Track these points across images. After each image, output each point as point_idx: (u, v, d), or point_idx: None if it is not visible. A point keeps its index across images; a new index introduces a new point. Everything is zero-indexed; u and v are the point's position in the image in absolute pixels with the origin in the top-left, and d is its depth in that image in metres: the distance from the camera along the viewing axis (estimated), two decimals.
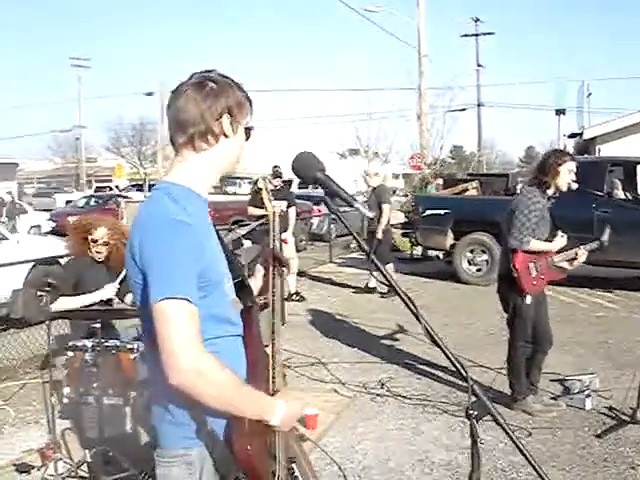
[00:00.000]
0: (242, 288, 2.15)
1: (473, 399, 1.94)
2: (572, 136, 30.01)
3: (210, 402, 1.84)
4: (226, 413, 1.91)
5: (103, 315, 4.25)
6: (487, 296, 10.69)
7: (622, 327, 8.45)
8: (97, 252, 4.82)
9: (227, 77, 2.06)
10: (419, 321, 1.92)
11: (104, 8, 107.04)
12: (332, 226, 19.15)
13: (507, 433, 1.88)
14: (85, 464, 4.18)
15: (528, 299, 5.14)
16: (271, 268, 2.30)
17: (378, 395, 5.90)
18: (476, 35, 38.87)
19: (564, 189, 5.18)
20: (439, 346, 1.92)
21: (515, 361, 5.38)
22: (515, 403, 5.42)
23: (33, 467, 4.44)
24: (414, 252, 15.13)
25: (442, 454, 4.67)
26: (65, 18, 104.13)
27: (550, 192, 5.21)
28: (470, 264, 11.68)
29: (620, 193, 10.36)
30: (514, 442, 1.89)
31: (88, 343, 4.37)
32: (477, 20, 38.64)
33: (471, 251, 11.64)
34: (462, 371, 1.90)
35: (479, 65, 39.15)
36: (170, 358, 1.78)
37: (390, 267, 10.85)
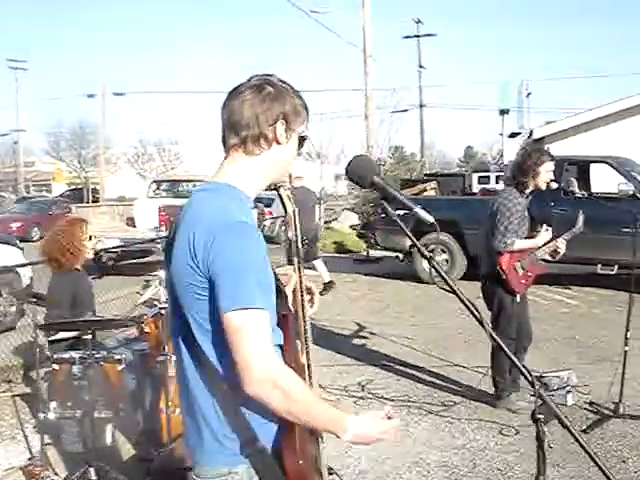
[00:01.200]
0: (278, 294, 2.05)
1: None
2: (512, 135, 30.65)
3: (283, 414, 1.78)
4: (275, 429, 1.87)
5: (93, 325, 4.10)
6: (448, 295, 10.75)
7: (586, 322, 8.65)
8: (89, 250, 4.67)
9: (286, 83, 2.00)
10: (483, 327, 1.90)
11: (41, 8, 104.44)
12: (283, 228, 19.06)
13: (574, 436, 1.88)
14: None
15: (518, 298, 5.20)
16: (297, 271, 2.22)
17: (361, 398, 5.88)
18: (417, 36, 39.24)
19: (543, 188, 5.27)
20: (505, 352, 1.90)
21: (500, 360, 5.41)
22: (499, 401, 5.47)
23: None
24: (370, 253, 15.19)
25: (436, 455, 4.67)
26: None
27: (528, 191, 5.28)
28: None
29: (576, 191, 10.56)
30: (580, 444, 1.88)
31: (75, 355, 4.23)
32: (418, 22, 39.02)
33: (431, 251, 11.71)
34: (528, 376, 1.88)
35: (421, 66, 39.55)
36: (246, 370, 1.73)
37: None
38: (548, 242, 5.35)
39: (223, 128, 1.97)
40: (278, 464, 1.87)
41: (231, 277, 1.76)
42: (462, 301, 1.89)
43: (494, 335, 1.90)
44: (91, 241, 4.71)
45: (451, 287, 1.91)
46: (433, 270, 1.93)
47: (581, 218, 5.51)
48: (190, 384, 1.92)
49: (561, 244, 5.34)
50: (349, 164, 1.97)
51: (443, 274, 1.90)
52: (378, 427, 1.90)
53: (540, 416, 1.88)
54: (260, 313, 1.76)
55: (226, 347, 1.78)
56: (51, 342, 4.64)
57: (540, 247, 5.35)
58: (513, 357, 1.89)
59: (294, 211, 2.24)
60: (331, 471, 2.19)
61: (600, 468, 1.89)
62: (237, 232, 1.80)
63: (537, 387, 1.87)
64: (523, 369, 1.89)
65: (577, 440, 1.89)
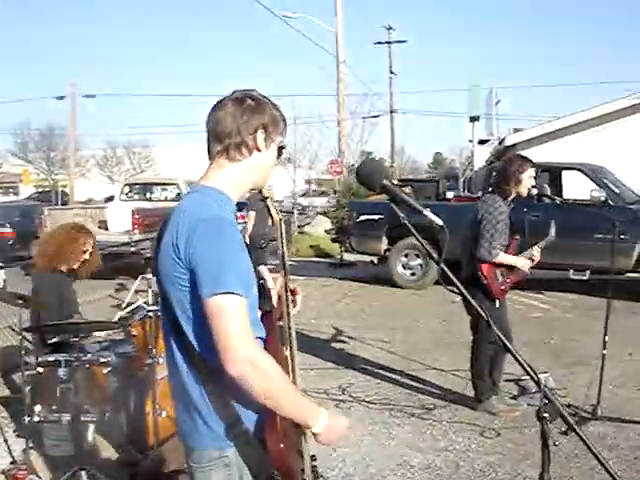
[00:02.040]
0: (261, 293, 2.20)
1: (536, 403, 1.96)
2: (482, 142, 30.94)
3: (260, 395, 1.90)
4: (258, 412, 1.99)
5: (81, 328, 4.08)
6: (423, 299, 10.93)
7: (559, 327, 8.77)
8: (78, 262, 4.67)
9: (265, 97, 2.18)
10: (489, 325, 1.95)
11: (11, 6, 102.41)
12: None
13: (579, 435, 1.92)
14: None
15: (497, 303, 5.26)
16: (282, 274, 2.40)
17: (342, 401, 5.91)
18: (389, 43, 39.45)
19: (524, 194, 5.36)
20: (510, 352, 1.95)
21: (480, 363, 5.48)
22: (479, 404, 5.53)
23: None
24: (344, 257, 15.23)
25: (419, 457, 4.71)
26: None
27: (511, 198, 5.37)
28: (404, 268, 11.87)
29: (554, 197, 10.70)
30: (585, 443, 1.93)
31: (60, 358, 4.20)
32: (390, 28, 39.21)
33: (405, 255, 11.83)
34: (534, 376, 1.93)
35: (392, 72, 39.76)
36: (227, 351, 1.85)
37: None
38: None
39: (208, 137, 2.15)
40: (261, 446, 1.98)
41: (210, 266, 1.90)
42: (470, 302, 1.93)
43: (501, 336, 1.96)
44: (84, 255, 4.71)
45: (459, 289, 1.95)
46: (434, 273, 1.97)
47: (553, 227, 5.62)
48: (180, 373, 2.05)
49: (536, 252, 5.44)
50: (359, 166, 2.02)
51: (452, 277, 1.93)
52: (343, 426, 2.09)
53: (545, 415, 1.91)
54: (239, 298, 1.89)
55: (210, 334, 1.91)
56: (46, 345, 4.60)
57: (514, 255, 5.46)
58: (519, 357, 1.94)
59: (280, 220, 2.44)
60: (314, 458, 2.28)
61: (603, 465, 1.95)
62: (216, 226, 1.95)
63: (543, 386, 1.91)
64: (528, 368, 1.93)
65: (582, 439, 1.95)
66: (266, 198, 2.44)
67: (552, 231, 5.63)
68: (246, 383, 1.86)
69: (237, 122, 2.07)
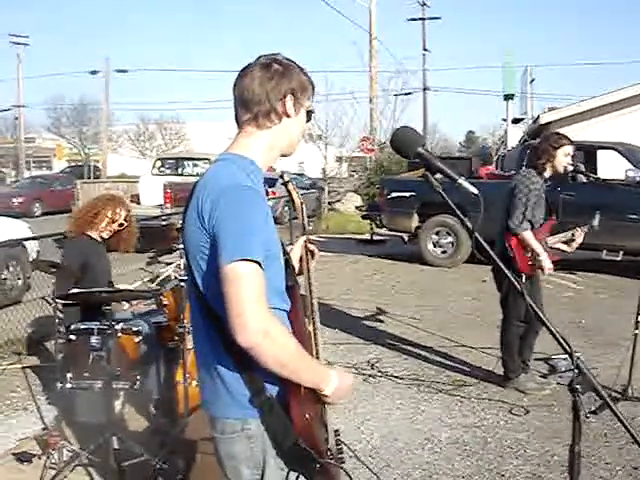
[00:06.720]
0: (287, 267, 2.18)
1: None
2: (515, 121, 30.55)
3: (272, 365, 1.88)
4: (282, 381, 1.95)
5: (115, 297, 4.12)
6: (454, 277, 10.87)
7: (591, 307, 8.68)
8: (108, 231, 4.71)
9: (292, 61, 2.14)
10: (524, 298, 1.93)
11: None
12: (286, 208, 19.05)
13: (612, 410, 1.91)
14: (94, 450, 4.04)
15: (523, 278, 5.19)
16: (305, 253, 2.48)
17: (370, 376, 5.91)
18: (422, 19, 39.03)
19: (561, 171, 5.29)
20: (543, 323, 1.93)
21: (509, 340, 5.45)
22: (508, 382, 5.51)
23: (34, 455, 4.27)
24: (374, 234, 15.19)
25: (447, 433, 4.71)
26: None
27: (547, 174, 5.30)
28: (435, 246, 11.80)
29: (583, 176, 10.56)
30: (619, 418, 1.91)
31: (93, 326, 4.25)
32: (424, 4, 38.78)
33: (436, 233, 11.75)
34: (567, 348, 1.91)
35: (425, 49, 39.34)
36: (239, 318, 1.82)
37: None
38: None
39: (235, 105, 2.11)
40: (286, 415, 1.97)
41: (230, 233, 1.87)
42: (501, 276, 1.91)
43: (534, 306, 1.93)
44: (114, 224, 4.76)
45: (492, 258, 1.92)
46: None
47: (597, 217, 5.49)
48: (204, 341, 2.05)
49: (578, 235, 5.35)
50: (394, 134, 1.99)
51: (485, 245, 1.91)
52: (349, 384, 2.08)
53: (578, 387, 1.90)
54: (255, 266, 1.86)
55: None
56: (65, 305, 4.66)
57: (550, 234, 5.39)
58: (552, 328, 1.92)
59: (302, 204, 2.53)
60: (337, 432, 2.29)
61: (636, 441, 1.92)
62: (241, 194, 1.92)
63: (575, 359, 1.89)
64: (561, 339, 1.91)
65: (615, 414, 1.93)
66: (287, 182, 2.51)
67: (596, 221, 5.50)
68: (257, 353, 1.84)
69: (265, 88, 2.04)
